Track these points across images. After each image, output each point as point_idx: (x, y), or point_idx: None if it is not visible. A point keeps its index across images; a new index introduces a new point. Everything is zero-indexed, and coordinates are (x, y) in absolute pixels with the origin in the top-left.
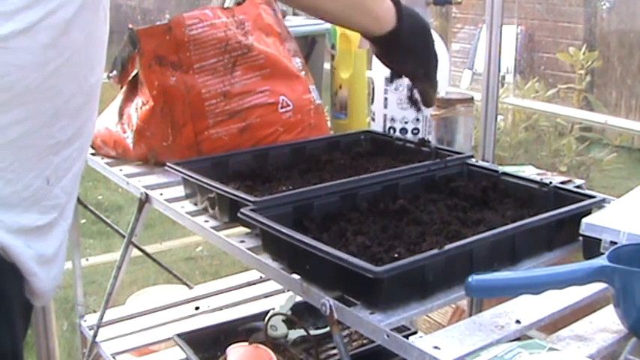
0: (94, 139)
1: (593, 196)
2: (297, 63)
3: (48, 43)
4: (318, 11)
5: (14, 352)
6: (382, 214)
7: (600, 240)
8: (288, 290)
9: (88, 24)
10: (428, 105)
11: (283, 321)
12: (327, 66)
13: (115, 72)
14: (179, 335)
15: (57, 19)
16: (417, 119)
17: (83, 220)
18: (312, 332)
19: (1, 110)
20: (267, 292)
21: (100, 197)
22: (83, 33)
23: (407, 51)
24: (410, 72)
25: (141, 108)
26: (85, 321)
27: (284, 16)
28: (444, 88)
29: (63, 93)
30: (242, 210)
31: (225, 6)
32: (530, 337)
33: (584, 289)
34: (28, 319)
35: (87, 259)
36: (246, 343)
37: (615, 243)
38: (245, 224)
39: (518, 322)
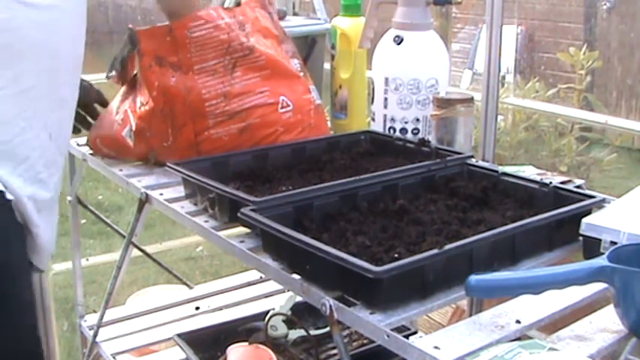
0: (93, 140)
1: (593, 196)
2: (295, 64)
3: (51, 4)
4: None
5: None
6: (382, 214)
7: (600, 240)
8: (288, 290)
9: None
10: None
11: (283, 321)
12: (327, 66)
13: (114, 72)
14: (179, 335)
15: None
16: (417, 119)
17: (83, 220)
18: (312, 332)
19: (14, 60)
20: (267, 292)
21: (100, 197)
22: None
23: None
24: None
25: (140, 108)
26: (85, 321)
27: (284, 17)
28: (444, 88)
29: (61, 52)
30: (242, 210)
31: (225, 6)
32: (530, 337)
33: (584, 289)
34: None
35: (87, 259)
36: (246, 343)
37: (615, 243)
38: (245, 224)
39: (518, 322)
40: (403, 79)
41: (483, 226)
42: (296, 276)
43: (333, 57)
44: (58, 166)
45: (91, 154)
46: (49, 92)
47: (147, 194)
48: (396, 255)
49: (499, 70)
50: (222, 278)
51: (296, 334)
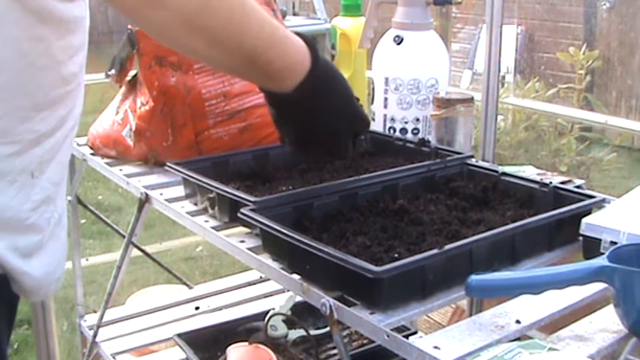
0: (93, 140)
1: (593, 196)
2: None
3: (22, 37)
4: (199, 57)
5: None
6: (382, 214)
7: (600, 240)
8: (288, 290)
9: (64, 13)
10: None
11: (283, 321)
12: None
13: (113, 71)
14: (179, 335)
15: (28, 9)
16: (417, 119)
17: (83, 220)
18: (312, 332)
19: None
20: (267, 292)
21: (100, 197)
22: (59, 22)
23: (290, 119)
24: (296, 143)
25: (140, 108)
26: (85, 321)
27: (284, 16)
28: (444, 88)
29: (42, 85)
30: (242, 210)
31: None
32: (530, 337)
33: (584, 289)
34: (13, 316)
35: (87, 259)
36: (246, 343)
37: (615, 243)
38: (245, 224)
39: (518, 322)
40: (403, 79)
41: (483, 226)
42: (296, 276)
43: (333, 57)
44: (54, 194)
45: (91, 154)
46: (22, 133)
47: (147, 194)
48: (396, 255)
49: (499, 70)
50: (222, 278)
51: (296, 334)
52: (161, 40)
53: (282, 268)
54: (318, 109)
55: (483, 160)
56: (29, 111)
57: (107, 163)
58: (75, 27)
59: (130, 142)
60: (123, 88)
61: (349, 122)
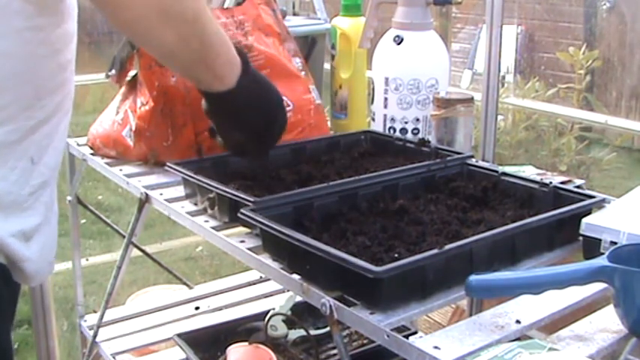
0: (93, 140)
1: (593, 196)
2: (296, 63)
3: (23, 27)
4: (147, 45)
5: (5, 346)
6: (382, 214)
7: (600, 240)
8: (288, 290)
9: (60, 2)
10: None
11: (283, 321)
12: (327, 66)
13: (113, 71)
14: (179, 335)
15: (29, 0)
16: (417, 119)
17: (83, 220)
18: (312, 332)
19: None
20: (267, 292)
21: (100, 197)
22: (56, 11)
23: (233, 117)
24: (229, 140)
25: (140, 108)
26: (85, 321)
27: (284, 16)
28: (444, 88)
29: (42, 73)
30: (242, 210)
31: (225, 6)
32: (530, 337)
33: (584, 289)
34: (16, 306)
35: (87, 259)
36: (246, 343)
37: (615, 243)
38: (245, 224)
39: (518, 322)
40: (403, 79)
41: (483, 226)
42: (296, 276)
43: (333, 57)
44: (50, 179)
45: (91, 154)
46: (23, 120)
47: (147, 194)
48: (396, 255)
49: (499, 70)
50: (222, 278)
51: (296, 334)
52: (132, 34)
53: (282, 268)
54: (261, 102)
55: (483, 160)
56: (31, 99)
57: (107, 163)
58: (68, 16)
59: (130, 142)
60: (123, 88)
61: (283, 116)
